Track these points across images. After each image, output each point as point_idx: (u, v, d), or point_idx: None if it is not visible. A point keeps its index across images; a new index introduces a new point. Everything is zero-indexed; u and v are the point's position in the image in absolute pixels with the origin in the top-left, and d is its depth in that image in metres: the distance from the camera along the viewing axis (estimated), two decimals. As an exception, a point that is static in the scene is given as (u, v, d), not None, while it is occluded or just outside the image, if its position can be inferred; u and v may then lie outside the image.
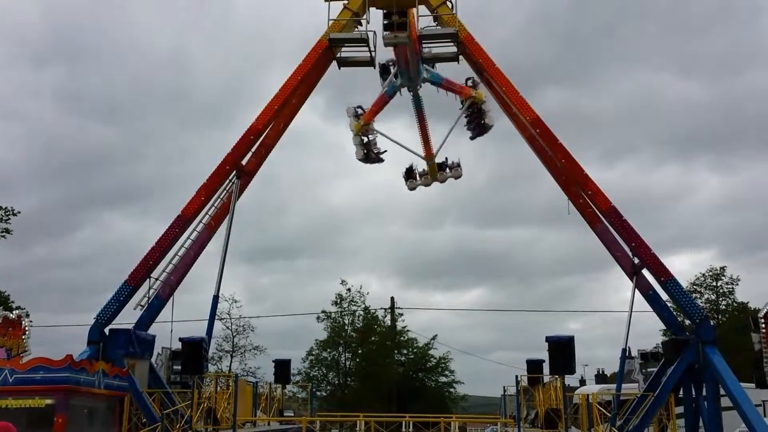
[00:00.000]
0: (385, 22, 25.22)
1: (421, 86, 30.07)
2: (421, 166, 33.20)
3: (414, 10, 25.24)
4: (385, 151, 32.09)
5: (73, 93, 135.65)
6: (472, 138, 31.39)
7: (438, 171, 32.85)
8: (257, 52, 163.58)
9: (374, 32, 25.58)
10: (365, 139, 31.25)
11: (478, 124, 30.91)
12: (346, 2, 25.87)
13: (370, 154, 31.63)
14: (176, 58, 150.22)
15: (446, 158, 33.01)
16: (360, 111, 30.88)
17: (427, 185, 33.44)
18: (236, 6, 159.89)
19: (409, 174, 33.19)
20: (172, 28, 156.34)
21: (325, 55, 26.15)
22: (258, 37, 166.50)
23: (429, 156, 32.15)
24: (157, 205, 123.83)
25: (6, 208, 43.70)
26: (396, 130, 32.07)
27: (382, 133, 31.45)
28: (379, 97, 30.43)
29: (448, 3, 25.63)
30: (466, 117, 30.99)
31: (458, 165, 32.95)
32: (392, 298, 55.50)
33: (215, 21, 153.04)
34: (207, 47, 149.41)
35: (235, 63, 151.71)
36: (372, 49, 25.66)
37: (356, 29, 25.92)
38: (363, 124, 30.66)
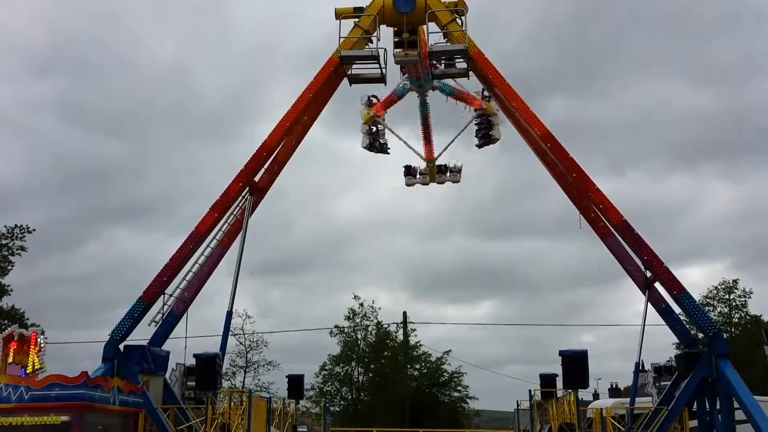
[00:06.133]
0: (396, 39, 25.49)
1: (428, 94, 30.23)
2: (421, 165, 33.04)
3: (424, 27, 25.49)
4: (389, 149, 32.05)
5: (76, 107, 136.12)
6: (479, 146, 31.32)
7: (437, 173, 32.94)
8: (260, 64, 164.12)
9: (385, 49, 25.83)
10: (373, 129, 31.01)
11: (485, 135, 30.85)
12: (356, 20, 26.11)
13: (375, 143, 31.36)
14: (178, 71, 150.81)
15: (448, 163, 32.99)
16: (374, 100, 30.66)
17: (424, 184, 33.37)
18: (238, 19, 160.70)
19: (408, 171, 33.15)
20: (173, 41, 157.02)
21: (337, 72, 26.38)
22: (260, 50, 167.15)
23: (429, 158, 32.28)
24: (163, 220, 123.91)
25: (21, 226, 44.24)
26: (401, 132, 31.62)
27: (389, 128, 31.38)
28: (390, 93, 30.35)
29: (458, 20, 25.82)
30: (475, 125, 30.87)
31: (458, 171, 32.98)
32: (404, 313, 55.41)
33: (217, 34, 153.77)
34: (209, 60, 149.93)
35: (237, 76, 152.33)
36: (383, 65, 25.88)
37: (367, 46, 26.13)
38: (373, 114, 30.49)
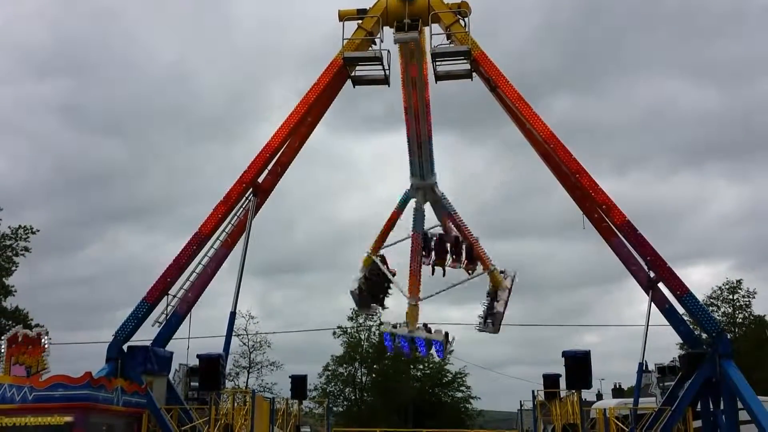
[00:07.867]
0: (398, 24, 24.81)
1: (427, 197, 28.92)
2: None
3: (427, 30, 25.32)
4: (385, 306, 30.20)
5: (77, 108, 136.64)
6: (478, 330, 29.34)
7: (422, 327, 28.85)
8: (260, 64, 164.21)
9: (388, 51, 25.68)
10: (369, 279, 28.93)
11: (489, 313, 28.77)
12: (360, 21, 26.09)
13: (366, 299, 29.33)
14: (178, 73, 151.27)
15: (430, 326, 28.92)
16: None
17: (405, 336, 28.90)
18: (238, 19, 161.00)
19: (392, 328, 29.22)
20: (173, 41, 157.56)
21: (340, 73, 26.38)
22: (261, 50, 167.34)
23: (412, 293, 29.17)
24: (164, 221, 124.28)
25: (26, 226, 44.36)
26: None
27: (385, 271, 29.14)
28: (386, 222, 29.11)
29: (461, 21, 25.76)
30: (483, 303, 29.23)
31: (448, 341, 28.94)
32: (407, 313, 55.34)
33: (217, 33, 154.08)
34: (209, 61, 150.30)
35: (237, 75, 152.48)
36: (386, 67, 25.76)
37: (370, 48, 26.11)
38: (369, 254, 28.87)
